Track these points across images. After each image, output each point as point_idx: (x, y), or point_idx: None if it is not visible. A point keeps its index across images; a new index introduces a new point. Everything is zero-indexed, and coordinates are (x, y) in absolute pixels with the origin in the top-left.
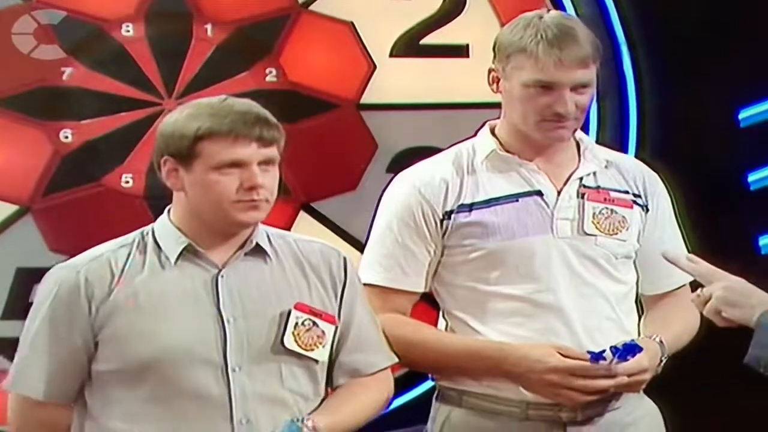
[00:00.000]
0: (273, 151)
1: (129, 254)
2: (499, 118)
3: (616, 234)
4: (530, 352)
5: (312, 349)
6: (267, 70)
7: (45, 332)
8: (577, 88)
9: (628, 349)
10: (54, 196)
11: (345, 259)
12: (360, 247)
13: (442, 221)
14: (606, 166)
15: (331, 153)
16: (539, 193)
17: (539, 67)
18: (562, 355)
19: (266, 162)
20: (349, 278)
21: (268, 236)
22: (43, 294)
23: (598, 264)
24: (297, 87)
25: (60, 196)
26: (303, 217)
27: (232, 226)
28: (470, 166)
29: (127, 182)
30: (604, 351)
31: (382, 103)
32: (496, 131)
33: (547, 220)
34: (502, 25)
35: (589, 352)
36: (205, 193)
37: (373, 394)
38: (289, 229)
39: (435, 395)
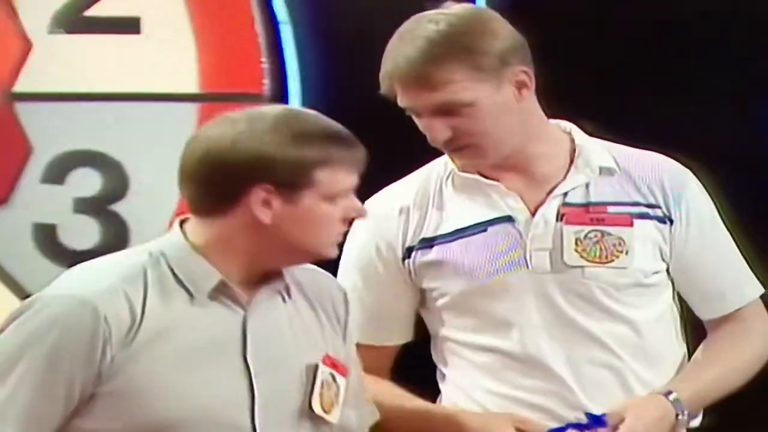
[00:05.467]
0: None
1: (145, 287)
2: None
3: (611, 261)
4: (484, 424)
5: (330, 411)
6: None
7: (35, 378)
8: (443, 112)
9: (592, 423)
10: None
11: (344, 291)
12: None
13: (403, 260)
14: (605, 173)
15: None
16: (509, 219)
17: (390, 88)
18: (519, 430)
19: None
20: (350, 315)
21: None
22: (37, 326)
23: (593, 301)
24: None
25: None
26: None
27: (305, 261)
28: (437, 188)
29: None
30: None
31: (38, 92)
32: None
33: (521, 252)
34: None
35: (587, 414)
36: (308, 226)
37: None
38: None
39: None
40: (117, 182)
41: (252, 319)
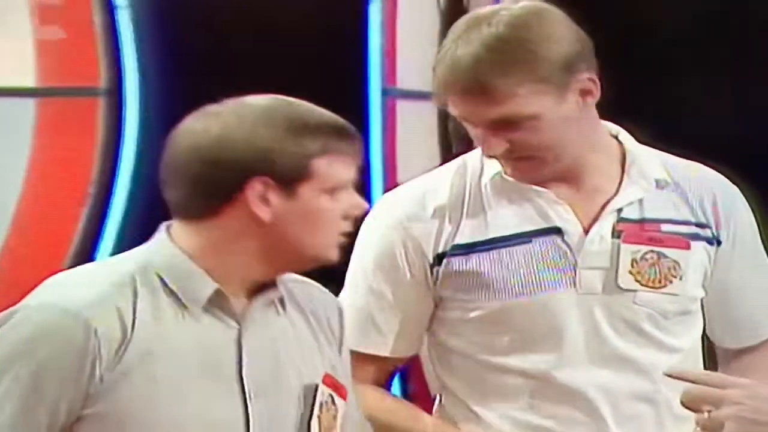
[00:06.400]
0: None
1: (135, 299)
2: None
3: (665, 286)
4: None
5: None
6: None
7: (17, 399)
8: (502, 125)
9: None
10: None
11: (340, 307)
12: None
13: (432, 266)
14: (659, 186)
15: None
16: (558, 231)
17: (443, 96)
18: None
19: None
20: (344, 333)
21: None
22: (21, 338)
23: (640, 329)
24: None
25: None
26: None
27: (306, 265)
28: (474, 187)
29: None
30: None
31: None
32: None
33: (569, 269)
34: None
35: None
36: (309, 223)
37: None
38: None
39: None
40: None
41: (247, 334)
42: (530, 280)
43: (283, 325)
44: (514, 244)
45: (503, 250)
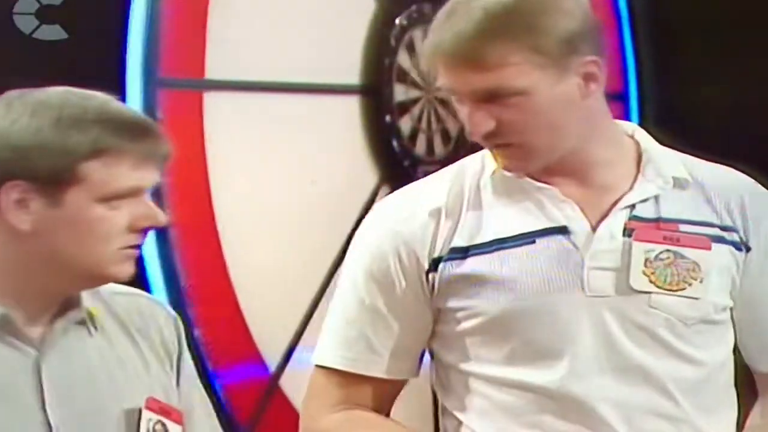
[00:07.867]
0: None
1: None
2: None
3: (683, 289)
4: None
5: None
6: None
7: None
8: (490, 99)
9: None
10: None
11: (175, 318)
12: None
13: (428, 273)
14: (678, 185)
15: None
16: (564, 231)
17: (432, 64)
18: None
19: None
20: (183, 347)
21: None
22: None
23: (656, 336)
24: None
25: None
26: None
27: (87, 284)
28: (474, 188)
29: None
30: None
31: None
32: None
33: (576, 270)
34: None
35: None
36: (78, 236)
37: None
38: None
39: None
40: None
41: (48, 361)
42: (533, 283)
43: (98, 345)
44: (516, 245)
45: (503, 252)
